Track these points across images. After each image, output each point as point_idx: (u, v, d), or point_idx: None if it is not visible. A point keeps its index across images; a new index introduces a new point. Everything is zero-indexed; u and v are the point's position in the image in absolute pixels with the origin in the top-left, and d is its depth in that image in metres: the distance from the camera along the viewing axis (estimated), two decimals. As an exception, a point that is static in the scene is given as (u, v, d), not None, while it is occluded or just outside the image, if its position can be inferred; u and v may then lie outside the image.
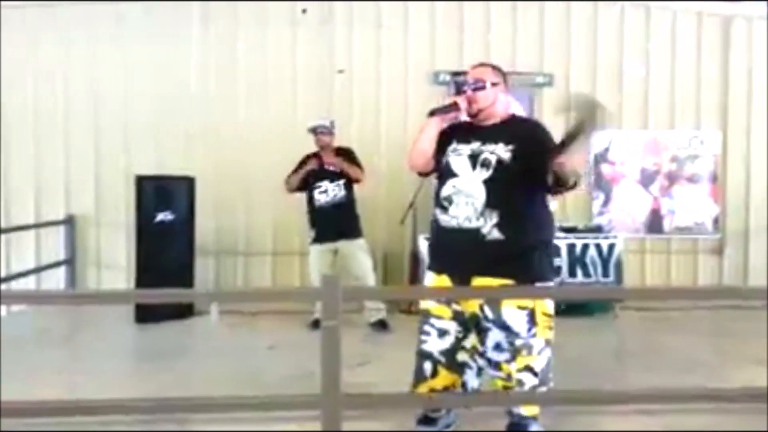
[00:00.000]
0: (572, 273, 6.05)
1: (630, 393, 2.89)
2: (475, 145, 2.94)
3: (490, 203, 2.80)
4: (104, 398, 2.55)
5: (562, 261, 6.02)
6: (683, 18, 7.17)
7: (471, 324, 2.90)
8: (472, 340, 2.90)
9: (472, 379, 2.94)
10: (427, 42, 6.93)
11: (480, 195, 2.82)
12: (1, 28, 6.57)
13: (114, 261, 6.78)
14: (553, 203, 6.28)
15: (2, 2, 6.42)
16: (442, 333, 2.93)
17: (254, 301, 5.79)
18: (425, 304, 2.97)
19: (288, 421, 2.68)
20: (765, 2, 6.75)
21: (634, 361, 4.67)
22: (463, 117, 3.04)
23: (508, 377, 2.85)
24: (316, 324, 5.31)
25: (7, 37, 6.68)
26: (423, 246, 5.74)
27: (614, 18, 7.11)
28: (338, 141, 5.70)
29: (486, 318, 2.81)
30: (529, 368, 2.76)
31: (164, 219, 5.90)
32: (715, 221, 7.20)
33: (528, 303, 2.74)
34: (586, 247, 6.09)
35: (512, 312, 2.73)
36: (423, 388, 2.90)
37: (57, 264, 6.73)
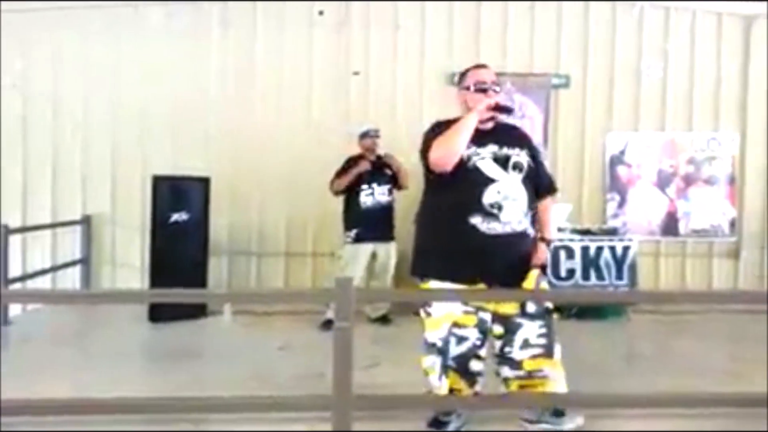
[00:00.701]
0: (586, 276, 5.98)
1: (644, 396, 2.86)
2: (494, 148, 2.96)
3: (531, 205, 2.96)
4: (116, 397, 2.56)
5: (575, 263, 5.98)
6: (703, 18, 7.07)
7: (500, 325, 2.94)
8: (488, 348, 2.98)
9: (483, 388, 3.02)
10: (444, 43, 6.90)
11: (522, 197, 2.94)
12: (21, 29, 6.64)
13: (129, 260, 6.81)
14: (568, 205, 6.30)
15: (22, 3, 6.47)
16: (461, 340, 2.95)
17: (268, 303, 5.85)
18: (449, 315, 2.94)
19: (297, 421, 2.68)
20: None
21: (646, 364, 4.62)
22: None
23: (528, 375, 2.88)
24: (326, 324, 5.33)
25: (27, 38, 6.75)
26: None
27: (633, 19, 7.04)
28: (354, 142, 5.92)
29: (524, 313, 2.87)
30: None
31: (179, 219, 5.94)
32: (732, 224, 7.10)
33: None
34: (600, 249, 6.03)
35: None
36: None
37: (73, 263, 6.77)
